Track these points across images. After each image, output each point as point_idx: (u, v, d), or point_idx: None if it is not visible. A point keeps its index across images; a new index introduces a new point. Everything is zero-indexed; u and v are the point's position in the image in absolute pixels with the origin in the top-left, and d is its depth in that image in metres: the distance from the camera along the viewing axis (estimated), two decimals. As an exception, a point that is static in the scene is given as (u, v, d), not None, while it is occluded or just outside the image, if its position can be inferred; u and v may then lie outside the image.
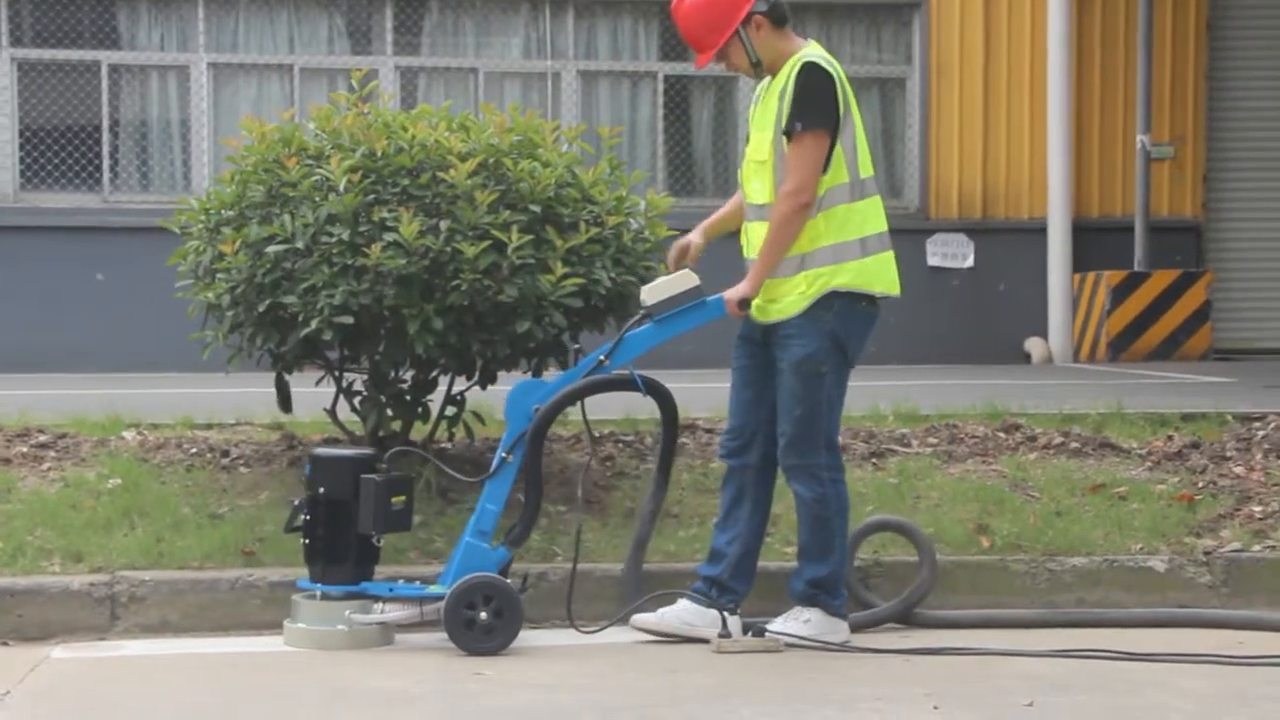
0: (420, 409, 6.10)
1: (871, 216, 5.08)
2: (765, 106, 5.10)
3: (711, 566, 5.16)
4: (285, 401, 6.08)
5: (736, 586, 5.14)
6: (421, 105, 6.09)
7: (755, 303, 5.08)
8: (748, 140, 5.24)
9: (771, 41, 5.09)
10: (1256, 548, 5.74)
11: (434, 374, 6.03)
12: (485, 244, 5.45)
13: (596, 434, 6.44)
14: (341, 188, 5.49)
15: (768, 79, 5.16)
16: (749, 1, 5.04)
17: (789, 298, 5.01)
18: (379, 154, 5.60)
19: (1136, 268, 13.41)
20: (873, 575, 5.50)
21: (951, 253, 13.73)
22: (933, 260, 13.66)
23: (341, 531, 5.03)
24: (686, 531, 5.73)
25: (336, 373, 6.03)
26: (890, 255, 5.13)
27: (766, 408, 5.13)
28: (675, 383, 5.41)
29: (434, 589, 5.05)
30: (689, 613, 5.09)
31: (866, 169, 5.09)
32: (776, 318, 5.03)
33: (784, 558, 5.58)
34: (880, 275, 5.08)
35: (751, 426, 5.17)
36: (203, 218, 5.88)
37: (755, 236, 5.11)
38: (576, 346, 5.50)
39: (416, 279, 5.47)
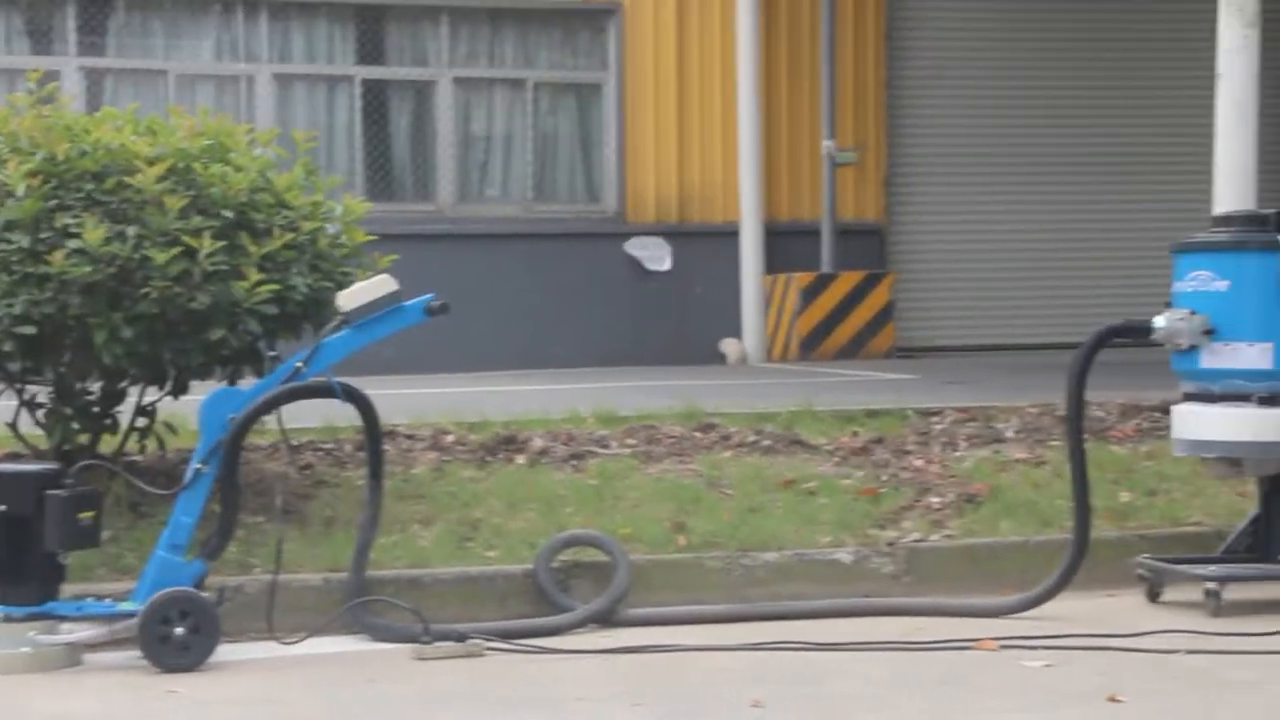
0: (109, 421, 5.91)
1: None
2: None
3: None
4: None
5: None
6: (106, 108, 5.89)
7: None
8: None
9: None
10: (935, 537, 5.98)
11: (123, 384, 5.84)
12: (176, 250, 5.30)
13: (294, 442, 6.33)
14: (20, 193, 5.28)
15: None
16: None
17: None
18: (60, 158, 5.40)
19: (824, 269, 13.84)
20: (572, 577, 5.54)
21: (650, 256, 13.94)
22: (634, 261, 13.85)
23: (25, 550, 4.81)
24: (388, 539, 5.66)
25: (18, 385, 5.78)
26: None
27: None
28: (375, 389, 5.35)
29: (125, 606, 4.88)
30: None
31: None
32: None
33: (485, 561, 5.58)
34: None
35: None
36: None
37: None
38: (273, 354, 5.38)
39: (103, 287, 5.29)
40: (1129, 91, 14.96)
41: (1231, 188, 7.82)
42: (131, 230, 5.33)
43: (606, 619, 5.35)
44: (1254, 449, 5.56)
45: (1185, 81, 14.28)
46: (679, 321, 13.84)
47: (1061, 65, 14.86)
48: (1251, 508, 5.92)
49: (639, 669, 4.81)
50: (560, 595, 5.44)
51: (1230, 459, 5.63)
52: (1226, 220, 5.81)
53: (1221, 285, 5.54)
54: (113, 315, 5.34)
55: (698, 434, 7.15)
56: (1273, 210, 5.77)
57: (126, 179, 5.41)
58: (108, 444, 5.99)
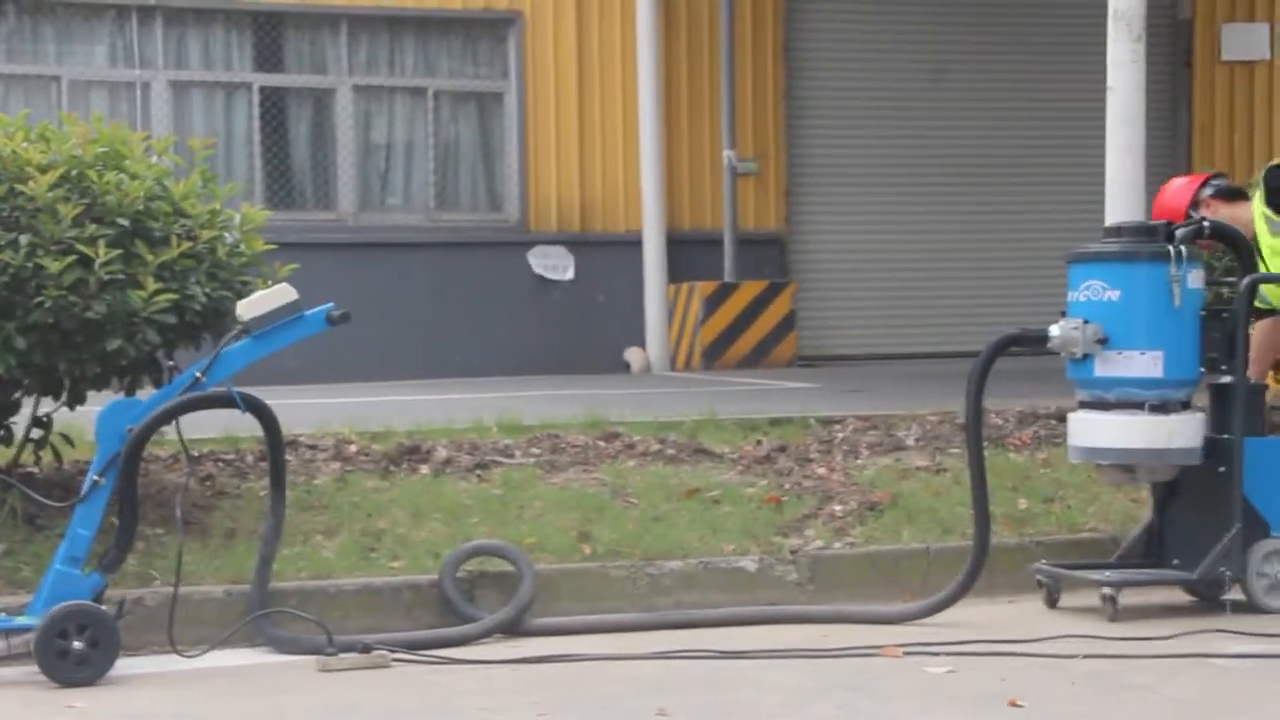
0: (3, 432, 5.81)
1: None
2: None
3: None
4: None
5: None
6: (-4, 114, 5.80)
7: None
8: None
9: (1229, 213, 6.16)
10: (838, 545, 6.02)
11: (18, 395, 5.75)
12: (70, 259, 5.23)
13: (195, 453, 6.26)
14: (-89, 200, 5.18)
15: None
16: (1190, 192, 6.13)
17: None
18: (-50, 165, 5.31)
19: (726, 279, 13.91)
20: (478, 587, 5.52)
21: (552, 265, 13.93)
22: (537, 271, 13.84)
23: (-83, 565, 4.73)
24: (291, 550, 5.61)
25: (-91, 396, 5.67)
26: None
27: None
28: (276, 398, 5.30)
29: (22, 620, 4.81)
30: None
31: None
32: None
33: (390, 572, 5.55)
34: None
35: None
36: None
37: None
38: (171, 364, 5.34)
39: (-4, 296, 5.21)
40: (1024, 103, 15.18)
41: (1122, 199, 7.94)
42: (24, 238, 5.25)
43: (513, 629, 5.35)
44: (1147, 456, 5.67)
45: (1078, 93, 14.50)
46: (583, 331, 13.83)
47: (957, 78, 15.04)
48: (1145, 514, 6.03)
49: (545, 678, 4.80)
50: (466, 605, 5.42)
51: (1124, 466, 5.74)
52: (1117, 231, 5.91)
53: (1113, 295, 5.64)
54: (5, 324, 5.26)
55: (602, 443, 7.15)
56: (1163, 222, 5.89)
57: (18, 186, 5.33)
58: (2, 456, 5.90)
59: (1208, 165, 15.25)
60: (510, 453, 6.94)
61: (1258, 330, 6.72)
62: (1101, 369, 5.65)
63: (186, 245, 5.50)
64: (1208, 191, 6.24)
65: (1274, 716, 4.33)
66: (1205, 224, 5.85)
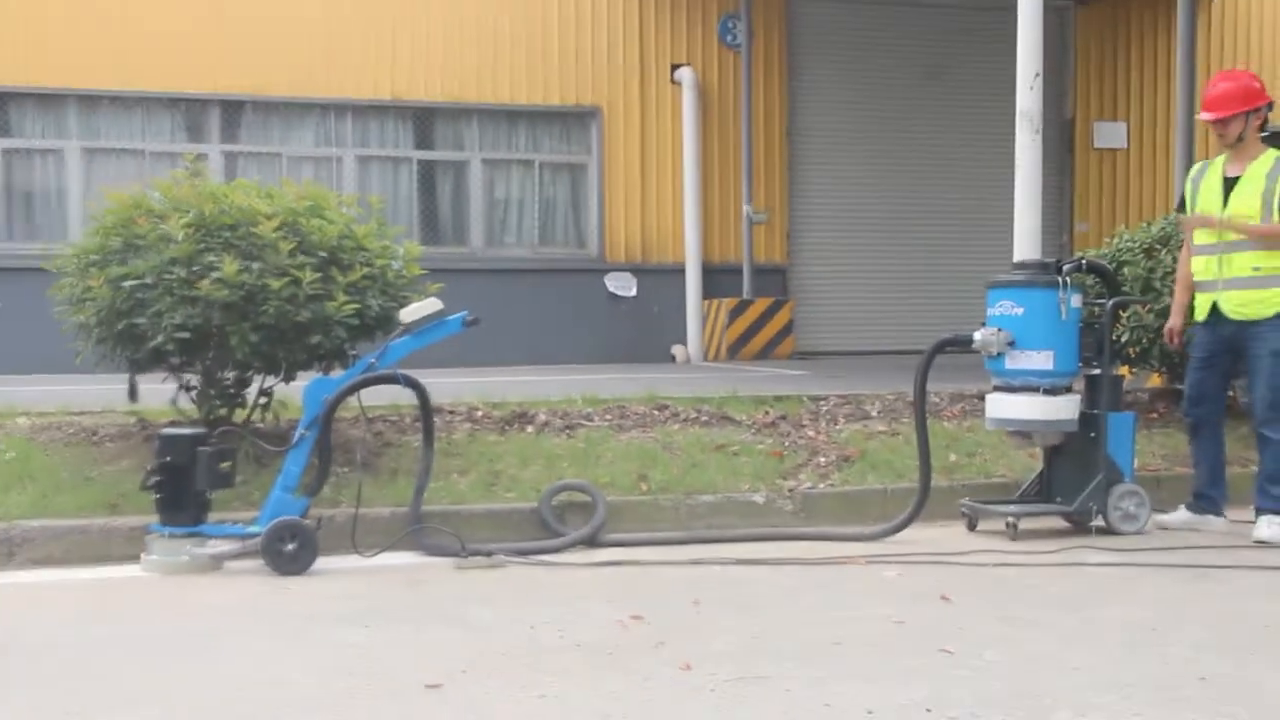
0: (239, 399, 5.91)
1: None
2: (1249, 180, 5.36)
3: (1196, 484, 5.61)
4: (133, 394, 5.81)
5: (1212, 493, 5.58)
6: (239, 179, 5.89)
7: (1235, 305, 5.40)
8: (1223, 201, 5.43)
9: (1254, 136, 5.46)
10: (822, 485, 6.03)
11: (250, 374, 5.84)
12: (286, 280, 5.32)
13: (370, 415, 6.35)
14: (179, 238, 5.29)
15: (1224, 160, 5.45)
16: (1264, 101, 5.42)
17: (1267, 303, 5.33)
18: (207, 214, 5.41)
19: (744, 296, 13.89)
20: (566, 512, 5.57)
21: (622, 285, 13.98)
22: (610, 290, 13.89)
23: (183, 488, 4.85)
24: (436, 484, 5.66)
25: (177, 374, 5.78)
26: None
27: (1219, 379, 5.55)
28: (428, 378, 5.37)
29: (252, 529, 4.91)
30: (1189, 519, 5.60)
31: None
32: (1254, 316, 5.35)
33: (506, 500, 5.58)
34: None
35: (1210, 393, 5.56)
36: (75, 261, 5.56)
37: (1239, 261, 5.38)
38: (354, 353, 5.42)
39: (236, 305, 5.31)
40: (961, 170, 15.08)
41: (1025, 242, 7.86)
42: (255, 265, 5.34)
43: (590, 542, 5.39)
44: (1040, 425, 5.66)
45: (999, 163, 14.40)
46: (642, 332, 13.88)
47: (911, 153, 14.97)
48: (1038, 465, 6.01)
49: (614, 576, 4.84)
50: (557, 525, 5.47)
51: (1024, 432, 5.72)
52: (1022, 265, 5.89)
53: (1018, 311, 5.63)
54: (243, 325, 5.35)
55: (656, 412, 7.17)
56: (1054, 259, 5.87)
57: (252, 229, 5.42)
58: (239, 415, 5.99)
59: (1084, 221, 15.16)
60: (590, 418, 6.97)
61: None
62: (1010, 363, 5.65)
63: (366, 270, 5.58)
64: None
65: (1126, 604, 4.33)
66: (1083, 261, 5.82)
